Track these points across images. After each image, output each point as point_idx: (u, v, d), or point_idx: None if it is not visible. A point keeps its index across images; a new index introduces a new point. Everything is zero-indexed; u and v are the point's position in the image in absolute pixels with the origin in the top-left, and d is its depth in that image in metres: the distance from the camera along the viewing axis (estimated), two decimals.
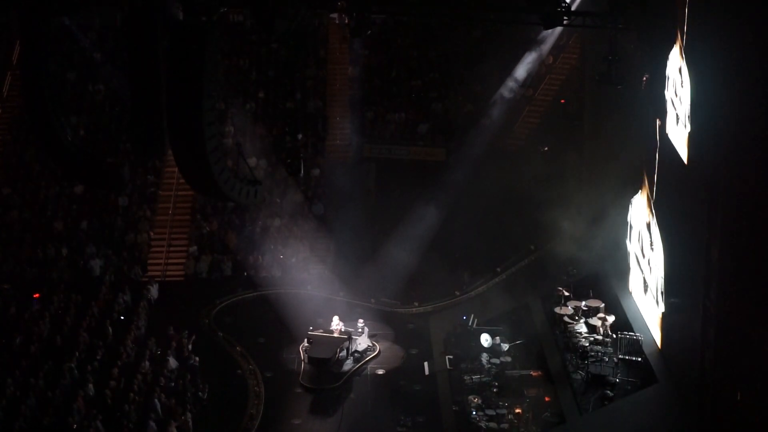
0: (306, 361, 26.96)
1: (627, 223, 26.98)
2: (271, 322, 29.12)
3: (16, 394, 24.85)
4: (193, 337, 27.70)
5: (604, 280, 27.86)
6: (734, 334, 19.62)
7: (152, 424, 23.74)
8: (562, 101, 36.30)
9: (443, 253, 31.56)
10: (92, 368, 25.89)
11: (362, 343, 27.83)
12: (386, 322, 29.79)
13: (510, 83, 35.48)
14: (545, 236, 30.84)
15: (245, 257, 32.60)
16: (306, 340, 27.49)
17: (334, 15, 37.38)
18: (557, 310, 26.73)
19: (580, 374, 24.21)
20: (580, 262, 28.55)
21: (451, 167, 34.95)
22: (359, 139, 37.28)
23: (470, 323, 27.85)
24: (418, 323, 30.02)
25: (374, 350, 27.98)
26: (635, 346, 24.21)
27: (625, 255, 27.23)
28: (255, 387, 26.35)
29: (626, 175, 27.05)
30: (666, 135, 22.92)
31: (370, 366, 27.51)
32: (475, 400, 24.26)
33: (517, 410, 23.70)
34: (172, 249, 33.75)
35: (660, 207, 24.08)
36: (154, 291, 30.94)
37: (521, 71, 35.42)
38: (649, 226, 24.66)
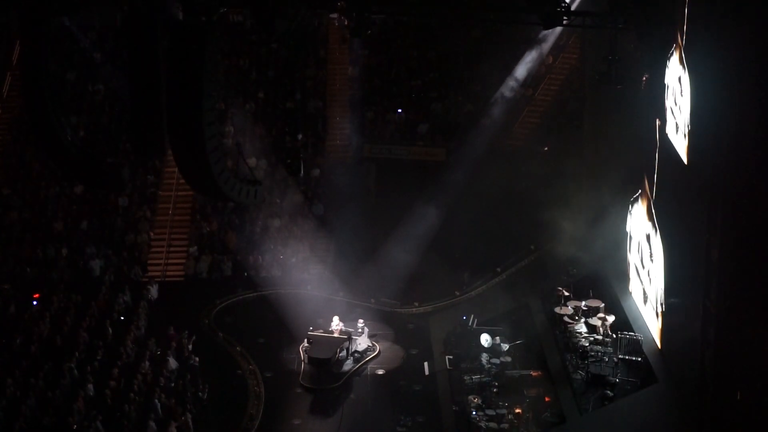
0: (306, 361, 26.96)
1: (626, 223, 26.96)
2: (271, 323, 29.13)
3: (16, 394, 24.86)
4: (193, 338, 27.71)
5: (604, 280, 27.85)
6: (734, 334, 19.60)
7: (152, 424, 23.74)
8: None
9: (443, 253, 31.57)
10: (92, 368, 25.90)
11: (362, 343, 27.83)
12: (386, 322, 29.80)
13: (510, 82, 35.46)
14: (545, 236, 30.85)
15: (245, 257, 32.60)
16: (306, 340, 27.49)
17: (334, 15, 37.35)
18: (557, 310, 26.72)
19: (580, 374, 24.20)
20: (580, 262, 28.53)
21: (451, 167, 34.94)
22: (359, 139, 37.28)
23: (470, 323, 27.84)
24: (418, 323, 30.03)
25: (374, 350, 27.98)
26: (635, 346, 24.19)
27: (625, 255, 27.21)
28: (255, 387, 26.36)
29: (626, 175, 27.05)
30: (666, 135, 22.92)
31: (370, 366, 27.52)
32: (475, 400, 24.26)
33: (517, 410, 23.70)
34: (172, 249, 33.76)
35: (660, 207, 24.07)
36: (154, 291, 30.94)
37: (521, 71, 35.41)
38: (648, 237, 24.63)
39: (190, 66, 14.95)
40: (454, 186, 33.50)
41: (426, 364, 27.35)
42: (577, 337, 25.43)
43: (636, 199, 26.10)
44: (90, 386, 25.07)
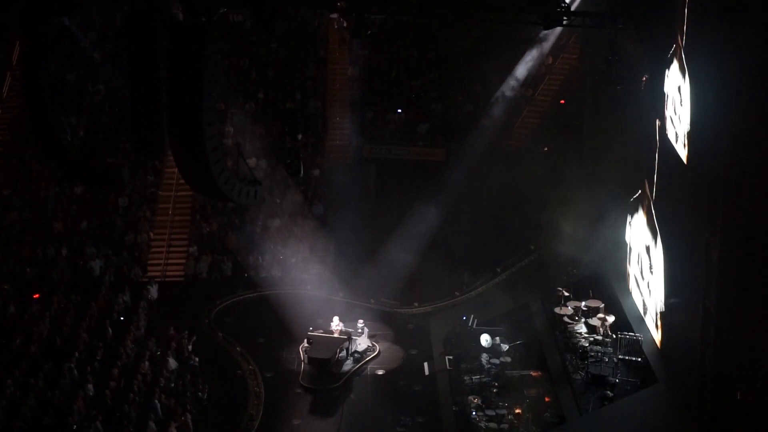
0: (306, 361, 26.96)
1: (626, 233, 26.98)
2: (271, 323, 29.11)
3: (16, 394, 24.84)
4: (193, 338, 27.70)
5: (604, 281, 27.85)
6: (734, 334, 19.61)
7: (152, 424, 23.74)
8: (562, 101, 36.26)
9: (443, 253, 31.55)
10: (92, 369, 25.89)
11: (362, 343, 27.83)
12: (386, 323, 29.80)
13: (511, 82, 35.47)
14: (545, 236, 30.85)
15: (245, 257, 32.59)
16: (306, 340, 27.49)
17: (334, 15, 37.36)
18: (557, 310, 26.71)
19: (580, 374, 24.20)
20: (579, 262, 28.54)
21: (451, 167, 34.94)
22: (359, 139, 37.28)
23: (470, 323, 27.84)
24: (418, 323, 30.02)
25: (374, 350, 27.98)
26: (635, 347, 24.19)
27: (624, 256, 27.22)
28: (255, 387, 26.35)
29: (626, 175, 27.05)
30: (666, 135, 22.93)
31: (370, 366, 27.51)
32: (475, 401, 24.25)
33: (517, 410, 23.70)
34: (172, 249, 33.75)
35: (660, 208, 24.07)
36: (153, 291, 30.94)
37: (521, 70, 35.41)
38: (648, 249, 24.64)
39: (190, 66, 14.96)
40: (454, 186, 33.50)
41: (426, 364, 27.34)
42: (577, 337, 25.42)
43: (636, 204, 26.09)
44: (90, 386, 25.06)
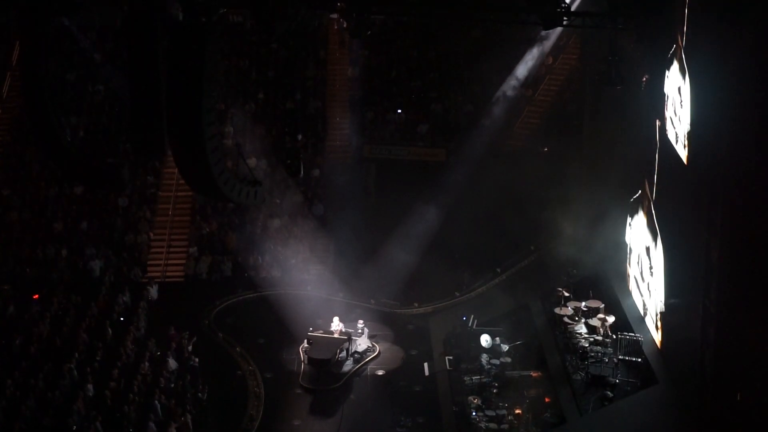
0: (306, 362, 26.94)
1: (626, 234, 26.97)
2: (271, 323, 29.09)
3: (15, 394, 24.82)
4: (194, 338, 27.69)
5: (604, 281, 27.84)
6: (734, 334, 19.60)
7: (152, 425, 23.72)
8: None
9: (443, 253, 31.55)
10: (92, 369, 25.87)
11: (362, 343, 27.82)
12: (386, 323, 29.79)
13: (512, 81, 35.47)
14: (545, 237, 30.84)
15: (245, 258, 32.58)
16: (306, 340, 27.49)
17: (334, 15, 37.38)
18: (557, 310, 26.69)
19: (580, 375, 24.18)
20: (580, 262, 28.50)
21: (451, 167, 34.93)
22: (359, 139, 37.26)
23: (470, 324, 27.83)
24: (418, 324, 30.02)
25: (374, 351, 27.97)
26: (635, 347, 24.18)
27: (624, 257, 27.21)
28: (255, 388, 26.34)
29: (626, 175, 27.04)
30: (666, 136, 22.92)
31: (370, 367, 27.51)
32: (475, 401, 24.25)
33: (517, 411, 23.69)
34: (171, 250, 33.74)
35: (660, 208, 24.07)
36: (153, 292, 30.93)
37: (522, 70, 35.40)
38: (648, 250, 24.63)
39: (190, 66, 14.97)
40: (454, 186, 33.50)
41: (426, 364, 27.34)
42: (577, 337, 25.41)
43: (636, 204, 26.08)
44: (90, 387, 25.04)
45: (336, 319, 27.87)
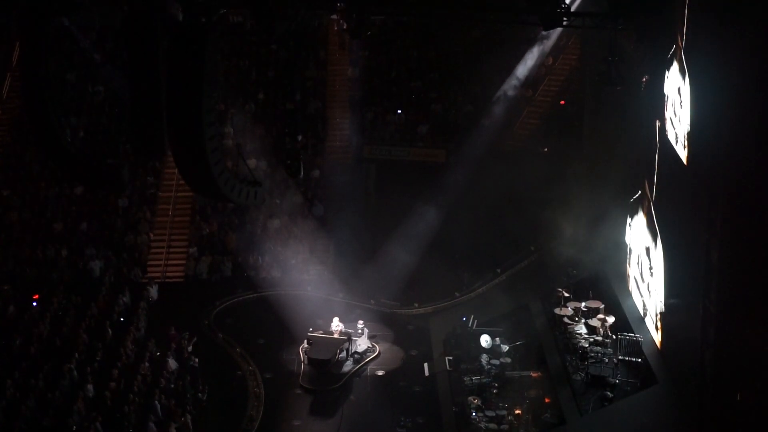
0: (306, 362, 26.95)
1: (626, 235, 26.97)
2: (271, 324, 29.10)
3: (15, 395, 24.83)
4: (194, 339, 27.68)
5: (604, 281, 27.83)
6: (734, 334, 19.59)
7: (152, 425, 23.73)
8: (562, 102, 36.23)
9: (443, 254, 31.56)
10: (92, 369, 25.88)
11: (362, 344, 27.82)
12: (386, 323, 29.79)
13: (512, 81, 35.48)
14: (545, 237, 30.84)
15: (245, 258, 32.59)
16: (306, 341, 27.49)
17: (334, 16, 37.39)
18: (557, 311, 26.69)
19: (580, 375, 24.18)
20: (580, 263, 28.52)
21: (451, 168, 34.93)
22: (359, 140, 37.26)
23: (470, 324, 27.83)
24: (418, 324, 30.02)
25: (374, 351, 27.98)
26: (635, 347, 24.16)
27: (624, 257, 27.21)
28: (255, 388, 26.34)
29: (626, 175, 27.04)
30: (666, 136, 22.93)
31: (369, 367, 27.51)
32: (475, 401, 24.24)
33: (517, 411, 23.69)
34: (171, 250, 33.75)
35: (660, 208, 24.07)
36: (153, 292, 30.94)
37: (522, 70, 35.41)
38: (648, 251, 24.63)
39: (190, 66, 14.97)
40: (453, 187, 33.50)
41: (426, 365, 27.33)
42: (576, 338, 25.41)
43: (636, 205, 26.08)
44: (90, 387, 25.05)
45: (336, 320, 27.87)
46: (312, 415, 25.48)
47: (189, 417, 24.23)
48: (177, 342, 27.40)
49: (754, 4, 18.05)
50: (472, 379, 25.42)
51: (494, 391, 24.77)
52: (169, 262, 33.34)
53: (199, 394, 25.40)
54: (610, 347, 24.49)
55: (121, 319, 29.09)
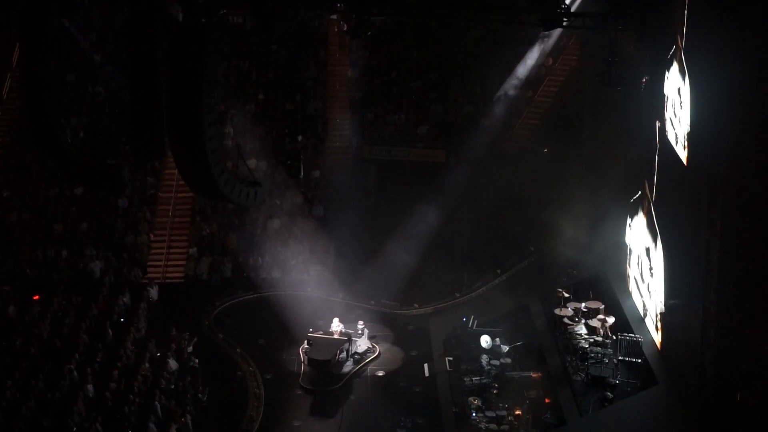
0: (306, 362, 26.95)
1: (626, 235, 26.96)
2: (271, 324, 29.09)
3: (16, 395, 24.83)
4: (194, 339, 27.68)
5: (604, 282, 27.84)
6: (734, 334, 19.60)
7: (152, 425, 23.74)
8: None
9: (443, 254, 31.54)
10: (92, 370, 25.88)
11: (362, 344, 27.82)
12: (386, 324, 29.78)
13: (513, 81, 35.48)
14: (545, 237, 30.84)
15: (245, 259, 32.58)
16: (306, 341, 27.48)
17: (334, 16, 37.41)
18: (557, 311, 26.69)
19: (580, 376, 24.18)
20: (580, 263, 28.52)
21: (451, 168, 34.94)
22: (359, 140, 37.26)
23: (470, 325, 27.82)
24: (418, 325, 30.01)
25: (374, 352, 27.97)
26: (635, 348, 24.17)
27: (624, 258, 27.22)
28: (255, 389, 26.34)
29: (626, 176, 27.03)
30: (666, 137, 22.93)
31: (370, 368, 27.50)
32: (475, 402, 24.25)
33: (517, 412, 23.69)
34: (172, 251, 33.73)
35: (660, 209, 24.07)
36: (153, 293, 30.93)
37: (522, 70, 35.42)
38: (648, 251, 24.63)
39: (190, 67, 14.99)
40: (454, 187, 33.50)
41: (426, 365, 27.33)
42: (577, 338, 25.42)
43: (636, 205, 26.08)
44: (90, 388, 25.05)
45: (336, 320, 27.86)
46: (312, 415, 25.48)
47: (189, 417, 24.23)
48: (177, 342, 27.40)
49: (754, 4, 18.06)
50: (472, 380, 25.41)
51: (494, 391, 24.77)
52: (169, 263, 33.33)
53: (200, 395, 25.40)
54: (610, 348, 24.50)
55: (121, 320, 29.08)
